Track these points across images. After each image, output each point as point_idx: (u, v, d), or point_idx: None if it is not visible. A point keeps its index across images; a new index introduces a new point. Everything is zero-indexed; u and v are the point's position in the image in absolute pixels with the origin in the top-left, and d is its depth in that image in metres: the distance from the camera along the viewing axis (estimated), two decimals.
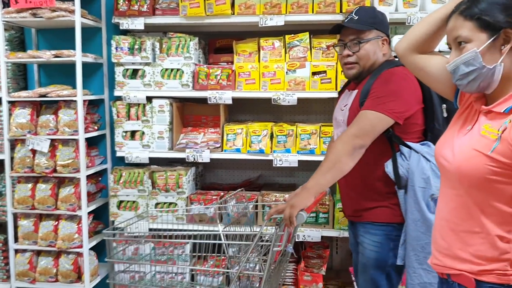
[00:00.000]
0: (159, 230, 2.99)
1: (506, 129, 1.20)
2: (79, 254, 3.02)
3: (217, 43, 3.30)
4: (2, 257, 3.18)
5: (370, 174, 2.03)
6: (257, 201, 2.99)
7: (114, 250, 2.60)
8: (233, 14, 2.93)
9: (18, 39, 3.33)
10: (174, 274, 3.06)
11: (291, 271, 3.13)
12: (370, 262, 2.06)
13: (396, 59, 2.03)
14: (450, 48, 1.37)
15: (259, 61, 2.98)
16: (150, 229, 3.02)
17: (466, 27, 1.28)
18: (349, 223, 2.29)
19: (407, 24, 2.83)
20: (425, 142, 2.03)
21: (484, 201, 1.26)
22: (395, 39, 2.86)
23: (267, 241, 2.17)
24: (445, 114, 2.04)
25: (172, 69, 3.01)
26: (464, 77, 1.29)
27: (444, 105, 2.03)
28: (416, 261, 1.95)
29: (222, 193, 3.12)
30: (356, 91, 2.08)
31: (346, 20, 2.09)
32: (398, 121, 1.92)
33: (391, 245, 2.03)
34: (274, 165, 2.91)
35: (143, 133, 3.08)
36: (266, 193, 3.05)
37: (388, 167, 1.98)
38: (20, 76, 3.34)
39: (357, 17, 2.07)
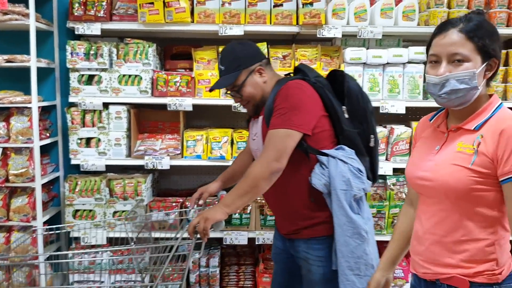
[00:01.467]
0: (117, 239, 3.03)
1: (480, 143, 1.41)
2: (34, 266, 2.99)
3: (174, 49, 3.40)
4: None
5: (298, 193, 2.09)
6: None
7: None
8: (193, 22, 3.05)
9: None
10: (132, 283, 3.13)
11: (250, 274, 3.30)
12: (319, 277, 2.11)
13: (284, 75, 2.24)
14: (434, 61, 1.47)
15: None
16: (110, 239, 3.06)
17: (467, 46, 1.41)
18: (280, 237, 2.31)
19: (358, 37, 3.10)
20: (339, 146, 2.12)
21: (470, 209, 1.44)
22: (348, 51, 3.12)
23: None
24: (346, 116, 2.15)
25: (130, 75, 3.08)
26: (453, 92, 1.43)
27: (344, 107, 2.16)
28: (347, 268, 2.04)
29: (181, 200, 3.23)
30: (261, 117, 2.17)
31: (218, 74, 2.20)
32: (307, 132, 2.02)
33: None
34: None
35: (99, 140, 3.11)
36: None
37: (313, 180, 2.06)
38: None
39: (223, 67, 2.15)
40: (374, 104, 3.07)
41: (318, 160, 2.08)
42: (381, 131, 3.20)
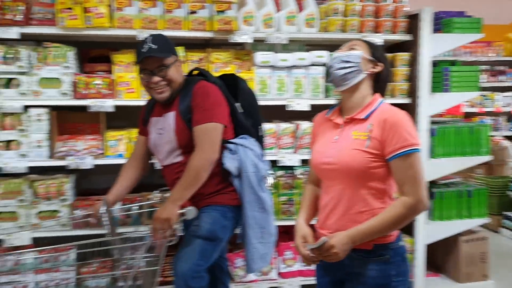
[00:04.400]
0: (44, 238, 3.21)
1: (372, 130, 1.91)
2: None
3: (91, 53, 3.62)
4: None
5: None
6: (141, 202, 3.40)
7: None
8: (112, 27, 3.31)
9: None
10: (59, 280, 3.32)
11: None
12: (202, 231, 2.51)
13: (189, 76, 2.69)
14: None
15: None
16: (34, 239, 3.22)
17: (361, 45, 2.04)
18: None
19: (265, 42, 3.55)
20: (241, 136, 2.64)
21: (367, 185, 1.90)
22: (258, 55, 3.56)
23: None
24: (241, 110, 2.67)
25: (50, 78, 3.26)
26: (342, 67, 1.98)
27: (238, 104, 2.67)
28: (254, 238, 2.59)
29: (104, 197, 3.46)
30: (172, 112, 2.53)
31: (146, 51, 2.44)
32: (226, 124, 2.53)
33: (224, 222, 2.56)
34: (155, 168, 3.36)
35: (19, 142, 3.26)
36: (146, 194, 3.48)
37: (226, 163, 2.53)
38: None
39: (155, 46, 2.43)
40: (281, 102, 3.62)
41: (225, 147, 2.56)
42: (288, 126, 3.68)
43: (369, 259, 1.95)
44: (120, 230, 3.22)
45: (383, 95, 2.08)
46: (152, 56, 2.44)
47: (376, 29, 3.80)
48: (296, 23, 3.63)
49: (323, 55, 3.67)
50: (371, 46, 2.06)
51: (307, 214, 2.20)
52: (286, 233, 3.97)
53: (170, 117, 2.55)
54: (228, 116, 2.59)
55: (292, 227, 3.94)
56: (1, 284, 3.13)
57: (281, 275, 3.75)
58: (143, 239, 2.77)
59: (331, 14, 3.71)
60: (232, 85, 2.71)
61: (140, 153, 2.80)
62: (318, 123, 2.20)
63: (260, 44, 3.75)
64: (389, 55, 3.87)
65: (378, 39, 3.69)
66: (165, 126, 2.57)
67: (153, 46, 2.44)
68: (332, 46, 3.87)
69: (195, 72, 2.74)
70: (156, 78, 2.49)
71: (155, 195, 3.06)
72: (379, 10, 3.81)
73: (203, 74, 2.67)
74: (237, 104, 2.69)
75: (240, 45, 3.87)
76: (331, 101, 3.76)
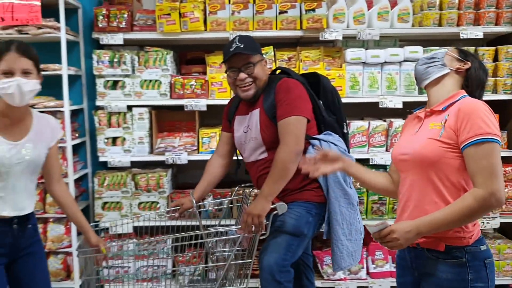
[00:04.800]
0: (143, 228, 3.47)
1: (447, 121, 1.85)
2: (68, 254, 3.45)
3: (188, 55, 3.84)
4: None
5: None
6: (231, 197, 3.54)
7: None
8: (206, 30, 3.49)
9: None
10: (156, 267, 3.57)
11: None
12: (287, 227, 2.53)
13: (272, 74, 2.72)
14: None
15: None
16: (134, 228, 3.50)
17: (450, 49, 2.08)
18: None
19: (357, 39, 3.51)
20: (325, 132, 2.64)
21: (440, 175, 1.84)
22: (348, 52, 3.54)
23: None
24: (323, 107, 2.67)
25: (150, 80, 3.52)
26: (426, 61, 2.01)
27: (320, 101, 2.68)
28: (342, 235, 2.58)
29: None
30: (257, 110, 2.58)
31: (234, 49, 2.51)
32: (310, 118, 2.53)
33: (309, 219, 2.56)
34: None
35: (124, 139, 3.56)
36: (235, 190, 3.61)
37: None
38: None
39: (242, 45, 2.51)
40: (373, 100, 3.56)
41: (310, 143, 2.58)
42: (381, 124, 3.61)
43: (443, 260, 1.89)
44: (211, 223, 3.39)
45: (479, 97, 1.98)
46: (239, 53, 2.52)
47: (476, 22, 3.59)
48: (388, 19, 3.55)
49: (417, 51, 3.55)
50: (460, 49, 2.05)
51: (362, 168, 2.19)
52: None
53: (255, 115, 2.62)
54: (312, 111, 2.62)
55: None
56: (106, 268, 3.44)
57: (371, 275, 3.70)
58: (232, 233, 2.91)
59: (426, 8, 3.58)
60: (314, 83, 2.73)
61: (224, 149, 2.90)
62: (408, 121, 2.17)
63: (351, 40, 3.73)
64: (491, 48, 3.65)
65: (478, 31, 3.50)
66: (250, 124, 2.65)
67: (240, 45, 2.52)
68: (427, 41, 3.76)
69: (278, 71, 2.80)
70: (243, 75, 2.55)
71: (237, 192, 3.16)
72: (480, 1, 3.60)
73: (286, 72, 2.73)
74: (320, 102, 2.71)
75: (331, 43, 3.87)
76: (425, 98, 3.64)
